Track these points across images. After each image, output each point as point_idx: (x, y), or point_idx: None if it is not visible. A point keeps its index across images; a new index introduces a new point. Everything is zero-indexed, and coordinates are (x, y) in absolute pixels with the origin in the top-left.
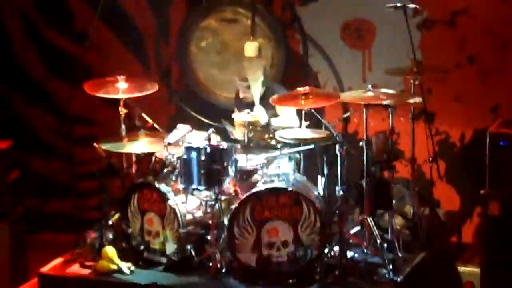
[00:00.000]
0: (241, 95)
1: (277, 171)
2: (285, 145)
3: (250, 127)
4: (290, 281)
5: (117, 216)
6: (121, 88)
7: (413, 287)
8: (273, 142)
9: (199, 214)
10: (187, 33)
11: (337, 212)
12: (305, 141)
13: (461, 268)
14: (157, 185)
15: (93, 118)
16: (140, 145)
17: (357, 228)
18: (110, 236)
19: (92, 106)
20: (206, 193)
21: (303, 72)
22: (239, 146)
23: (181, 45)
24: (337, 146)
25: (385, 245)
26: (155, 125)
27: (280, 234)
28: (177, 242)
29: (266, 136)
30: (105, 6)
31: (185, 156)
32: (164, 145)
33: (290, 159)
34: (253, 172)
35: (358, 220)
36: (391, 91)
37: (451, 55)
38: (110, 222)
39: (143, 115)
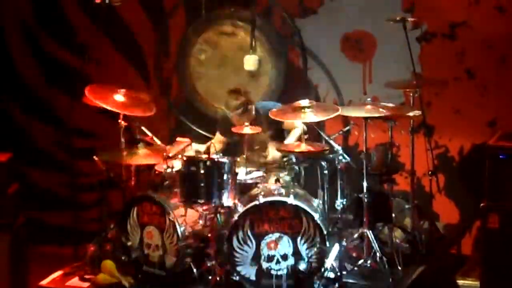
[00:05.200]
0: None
1: (277, 184)
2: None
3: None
4: None
5: (115, 229)
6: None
7: None
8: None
9: (198, 227)
10: (187, 46)
11: (337, 225)
12: (305, 155)
13: (460, 281)
14: (156, 198)
15: (93, 131)
16: (140, 158)
17: (356, 241)
18: (110, 249)
19: (92, 119)
20: (206, 206)
21: (303, 85)
22: (238, 159)
23: (180, 57)
24: (337, 159)
25: (385, 258)
26: (154, 138)
27: (280, 247)
28: (177, 255)
29: (263, 154)
30: (105, 19)
31: (184, 169)
32: (163, 158)
33: (289, 172)
34: (252, 185)
35: (357, 233)
36: (390, 104)
37: (450, 68)
38: (109, 235)
39: (143, 128)
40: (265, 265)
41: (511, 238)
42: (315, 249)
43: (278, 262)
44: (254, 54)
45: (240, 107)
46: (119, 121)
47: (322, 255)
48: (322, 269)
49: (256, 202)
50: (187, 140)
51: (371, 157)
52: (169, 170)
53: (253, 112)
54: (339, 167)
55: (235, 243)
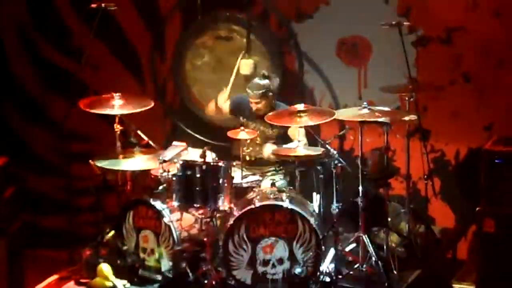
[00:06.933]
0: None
1: (272, 188)
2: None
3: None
4: None
5: (111, 233)
6: (116, 105)
7: None
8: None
9: (194, 231)
10: (183, 50)
11: (333, 229)
12: (300, 159)
13: (456, 285)
14: (152, 202)
15: (89, 135)
16: (136, 162)
17: (352, 246)
18: (106, 253)
19: (88, 123)
20: (201, 210)
21: (299, 89)
22: (235, 163)
23: (176, 62)
24: (333, 164)
25: (380, 262)
26: (150, 142)
27: (275, 251)
28: (172, 259)
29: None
30: (101, 23)
31: (180, 173)
32: (159, 162)
33: (285, 176)
34: (248, 189)
35: (353, 238)
36: (386, 108)
37: (446, 72)
38: (105, 239)
39: (139, 132)
40: (260, 269)
41: (507, 242)
42: (311, 253)
43: (273, 266)
44: (250, 59)
45: (261, 89)
46: (115, 125)
47: (317, 259)
48: (318, 273)
49: (252, 206)
50: (183, 144)
51: (366, 162)
52: (165, 174)
53: (273, 104)
54: (334, 171)
55: (230, 247)
